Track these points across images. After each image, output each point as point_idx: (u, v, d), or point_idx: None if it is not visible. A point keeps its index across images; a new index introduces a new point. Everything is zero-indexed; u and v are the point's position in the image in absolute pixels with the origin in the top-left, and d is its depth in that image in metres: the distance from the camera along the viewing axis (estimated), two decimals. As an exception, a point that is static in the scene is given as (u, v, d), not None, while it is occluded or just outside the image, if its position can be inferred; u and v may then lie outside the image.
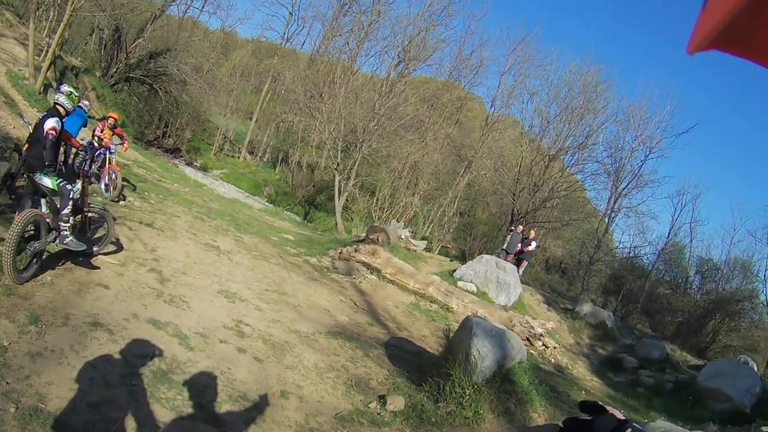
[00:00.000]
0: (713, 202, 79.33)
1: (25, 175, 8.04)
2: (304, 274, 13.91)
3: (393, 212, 33.49)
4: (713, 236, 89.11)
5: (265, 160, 48.18)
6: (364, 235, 19.90)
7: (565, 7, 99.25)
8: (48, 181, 7.64)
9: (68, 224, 7.82)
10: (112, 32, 34.81)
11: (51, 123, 7.64)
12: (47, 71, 21.16)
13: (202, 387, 6.34)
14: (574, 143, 35.89)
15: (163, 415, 5.53)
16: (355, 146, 30.84)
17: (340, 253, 16.68)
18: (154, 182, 18.22)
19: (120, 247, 9.77)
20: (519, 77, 41.18)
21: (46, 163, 7.69)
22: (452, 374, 8.30)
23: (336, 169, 29.76)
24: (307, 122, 39.09)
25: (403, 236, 21.01)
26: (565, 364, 16.34)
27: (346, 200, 31.41)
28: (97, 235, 9.61)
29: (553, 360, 15.89)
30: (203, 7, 44.69)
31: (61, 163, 11.53)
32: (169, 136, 44.54)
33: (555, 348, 16.38)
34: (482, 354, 8.49)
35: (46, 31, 27.29)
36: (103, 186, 13.43)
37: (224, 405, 6.22)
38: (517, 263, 21.39)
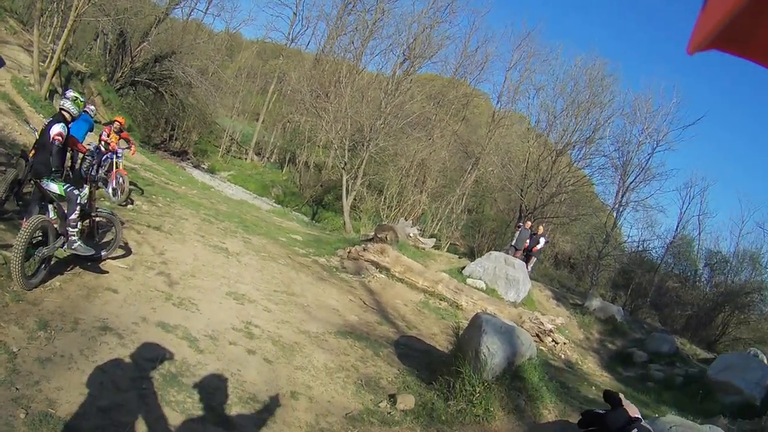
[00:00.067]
0: (721, 194, 79.09)
1: (32, 182, 8.06)
2: (313, 275, 13.92)
3: (401, 210, 33.51)
4: (722, 228, 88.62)
5: (272, 161, 48.19)
6: (373, 233, 19.90)
7: (568, 3, 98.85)
8: (55, 187, 7.65)
9: (76, 229, 7.83)
10: (117, 36, 34.88)
11: (57, 129, 7.63)
12: (52, 77, 21.19)
13: (212, 389, 6.35)
14: (581, 138, 35.92)
15: (174, 418, 5.54)
16: (362, 145, 30.85)
17: (349, 252, 16.68)
18: (161, 185, 18.26)
19: (128, 251, 9.79)
20: (525, 72, 41.09)
21: (53, 169, 7.68)
22: (462, 372, 8.29)
23: (343, 168, 29.77)
24: (313, 122, 39.08)
25: (411, 234, 20.99)
26: (575, 359, 16.32)
27: (354, 199, 31.43)
28: (105, 240, 9.61)
29: (563, 356, 15.87)
30: (207, 9, 44.63)
31: (68, 169, 11.60)
32: (175, 139, 44.55)
33: (565, 344, 16.35)
34: (492, 351, 8.48)
35: (50, 37, 27.32)
36: (110, 190, 13.46)
37: (234, 407, 6.23)
38: (526, 259, 21.36)
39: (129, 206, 13.39)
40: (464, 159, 40.71)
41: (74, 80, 26.48)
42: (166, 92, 37.77)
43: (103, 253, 8.66)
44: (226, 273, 10.97)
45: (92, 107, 14.22)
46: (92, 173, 13.27)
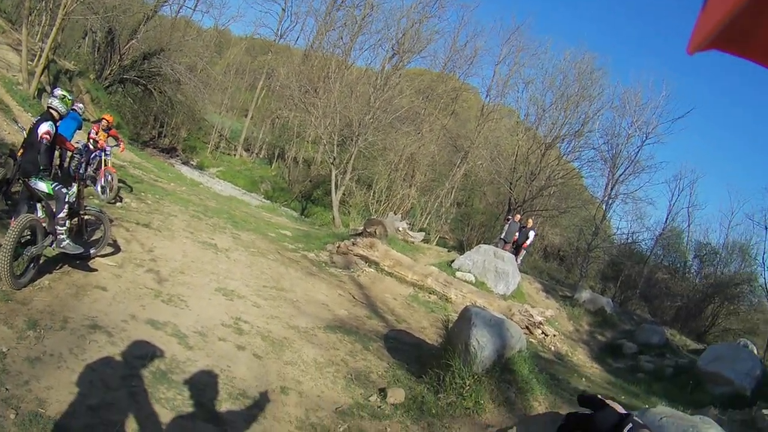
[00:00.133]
0: (710, 187, 79.33)
1: (20, 181, 8.06)
2: (302, 270, 13.93)
3: (390, 205, 33.47)
4: (711, 220, 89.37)
5: (261, 156, 48.24)
6: (362, 228, 19.92)
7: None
8: (43, 186, 7.64)
9: (65, 228, 7.82)
10: (105, 34, 34.82)
11: (45, 127, 7.63)
12: (41, 76, 21.17)
13: (202, 386, 6.37)
14: (570, 131, 36.06)
15: (164, 415, 5.55)
16: (351, 140, 30.91)
17: (338, 247, 16.69)
18: (150, 183, 18.23)
19: (117, 249, 9.78)
20: (514, 66, 41.29)
21: (41, 168, 7.66)
22: (452, 365, 8.34)
23: (332, 163, 29.84)
24: (302, 117, 39.03)
25: (400, 228, 21.01)
26: (564, 351, 16.38)
27: (343, 194, 31.50)
28: (94, 238, 9.60)
29: (552, 348, 15.93)
30: (196, 6, 44.71)
31: (57, 167, 11.58)
32: (164, 136, 44.60)
33: (554, 336, 16.41)
34: (482, 344, 8.52)
35: (38, 36, 27.31)
36: (99, 188, 13.43)
37: (224, 403, 6.24)
38: (515, 252, 21.41)
39: (118, 204, 13.37)
40: (453, 153, 40.69)
41: (63, 78, 26.45)
42: (154, 89, 37.79)
43: (92, 251, 8.66)
44: (215, 269, 10.97)
45: (80, 105, 14.19)
46: (81, 171, 13.26)
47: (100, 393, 5.47)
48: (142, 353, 6.50)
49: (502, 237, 22.07)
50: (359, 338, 10.16)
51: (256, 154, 48.18)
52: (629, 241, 37.80)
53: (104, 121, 14.76)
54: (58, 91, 8.20)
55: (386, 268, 15.86)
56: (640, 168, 34.82)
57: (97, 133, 14.22)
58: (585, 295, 21.71)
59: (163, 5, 39.23)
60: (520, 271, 20.58)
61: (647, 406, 8.85)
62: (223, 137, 48.65)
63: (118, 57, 35.34)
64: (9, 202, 9.89)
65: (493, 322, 8.98)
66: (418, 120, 38.91)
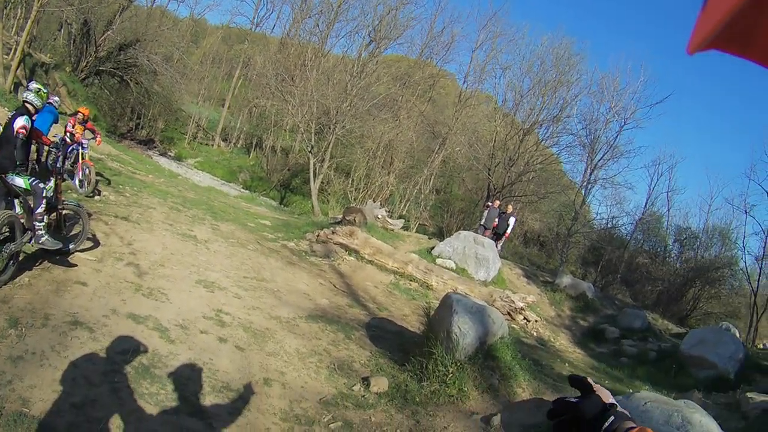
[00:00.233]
0: (690, 171, 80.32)
1: (-4, 177, 8.00)
2: (282, 259, 13.91)
3: (369, 192, 33.58)
4: (690, 205, 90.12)
5: (239, 146, 48.17)
6: (341, 216, 19.95)
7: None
8: (20, 181, 7.58)
9: (43, 223, 7.78)
10: (81, 26, 34.50)
11: (20, 122, 7.56)
12: (17, 69, 20.99)
13: (185, 380, 6.35)
14: (548, 116, 36.18)
15: (148, 410, 5.54)
16: (329, 128, 30.83)
17: (318, 235, 16.66)
18: (128, 175, 18.08)
19: (96, 243, 9.71)
20: (491, 52, 41.35)
21: (18, 163, 7.60)
22: (434, 353, 8.36)
23: (310, 151, 29.86)
24: (279, 106, 38.85)
25: (379, 216, 21.02)
26: (547, 337, 16.48)
27: (322, 182, 31.50)
28: (73, 232, 9.54)
29: (535, 333, 16.03)
30: (172, -6, 44.26)
31: (34, 162, 11.48)
32: (141, 128, 44.40)
33: (536, 321, 16.52)
34: (463, 331, 8.56)
35: (14, 29, 27.05)
36: (77, 182, 13.33)
37: (208, 396, 6.24)
38: (496, 238, 21.47)
39: (96, 197, 13.26)
40: (431, 139, 40.74)
41: (39, 72, 26.26)
42: (131, 81, 37.54)
43: (71, 246, 8.59)
44: (195, 261, 10.93)
45: (56, 98, 14.10)
46: (58, 165, 13.18)
47: (84, 390, 5.45)
48: (124, 348, 6.47)
49: (482, 223, 22.14)
50: (341, 327, 10.17)
51: (234, 143, 48.09)
52: (609, 225, 38.07)
53: (80, 114, 14.62)
54: (33, 85, 8.15)
55: (366, 256, 15.86)
56: (619, 153, 34.91)
57: (73, 126, 14.08)
58: (566, 280, 21.84)
59: (138, -6, 38.94)
60: (501, 257, 20.66)
61: (631, 391, 8.94)
62: (200, 127, 48.49)
63: (94, 48, 35.03)
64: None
65: (474, 309, 9.01)
66: (395, 107, 38.91)
